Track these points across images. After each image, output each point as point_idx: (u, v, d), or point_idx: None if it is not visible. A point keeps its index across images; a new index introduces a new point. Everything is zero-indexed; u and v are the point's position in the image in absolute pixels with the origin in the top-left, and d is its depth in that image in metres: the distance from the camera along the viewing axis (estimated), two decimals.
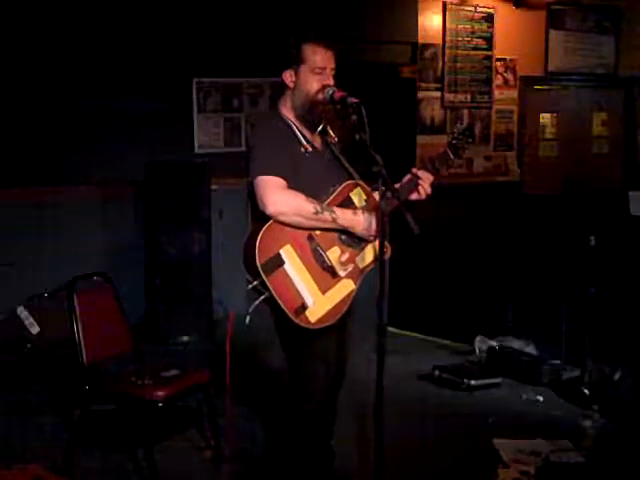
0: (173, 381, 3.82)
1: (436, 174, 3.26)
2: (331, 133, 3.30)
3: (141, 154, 6.33)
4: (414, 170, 3.23)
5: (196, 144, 6.81)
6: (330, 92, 3.08)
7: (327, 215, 3.02)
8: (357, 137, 2.95)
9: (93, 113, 6.26)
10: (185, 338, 6.24)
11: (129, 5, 6.24)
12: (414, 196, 3.22)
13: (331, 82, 3.14)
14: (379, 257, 2.84)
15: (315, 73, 3.12)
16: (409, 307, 6.35)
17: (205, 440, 4.14)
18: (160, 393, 3.70)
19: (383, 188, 2.88)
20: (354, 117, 2.96)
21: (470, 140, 3.37)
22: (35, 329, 5.54)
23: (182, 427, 4.27)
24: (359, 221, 3.08)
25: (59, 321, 4.63)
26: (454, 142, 3.32)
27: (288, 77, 3.16)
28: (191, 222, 6.31)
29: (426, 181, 3.20)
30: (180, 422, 4.29)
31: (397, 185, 3.20)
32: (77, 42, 6.11)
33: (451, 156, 3.32)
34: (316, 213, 3.00)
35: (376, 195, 3.11)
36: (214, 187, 6.42)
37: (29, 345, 5.52)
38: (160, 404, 3.69)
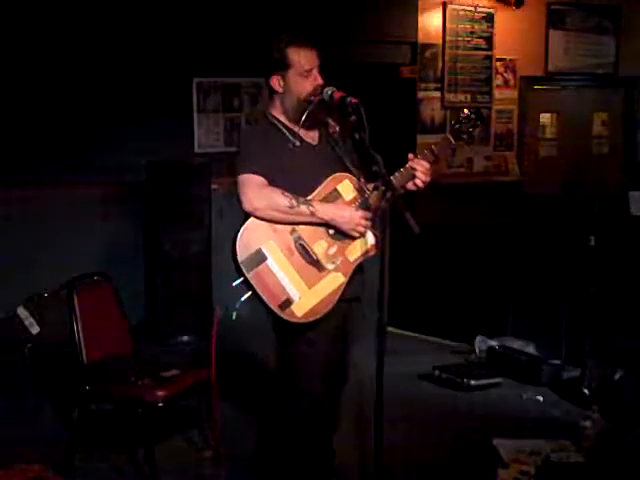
0: (173, 381, 3.82)
1: (435, 161, 3.20)
2: (331, 122, 3.29)
3: (141, 154, 6.33)
4: (411, 156, 3.18)
5: (196, 144, 6.81)
6: (330, 92, 3.08)
7: (304, 208, 3.03)
8: (357, 137, 2.96)
9: (93, 113, 6.26)
10: (185, 338, 6.24)
11: (129, 5, 6.25)
12: (411, 186, 3.17)
13: (321, 81, 3.14)
14: (381, 255, 2.84)
15: (304, 76, 3.12)
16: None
17: (205, 440, 4.14)
18: (160, 393, 3.70)
19: (383, 188, 2.88)
20: (354, 117, 2.96)
21: (478, 123, 3.26)
22: (35, 329, 5.54)
23: (182, 427, 4.28)
24: (340, 215, 3.07)
25: (59, 321, 4.63)
26: (456, 126, 3.26)
27: (276, 82, 3.16)
28: (191, 222, 6.30)
29: (420, 169, 3.13)
30: (180, 422, 4.30)
31: (395, 174, 3.17)
32: (78, 42, 6.12)
33: (452, 141, 3.25)
34: (291, 207, 3.01)
35: (371, 186, 3.13)
36: (214, 187, 6.42)
37: (29, 345, 5.52)
38: (160, 404, 3.69)
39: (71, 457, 3.79)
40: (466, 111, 3.28)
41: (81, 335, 3.77)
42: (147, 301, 6.47)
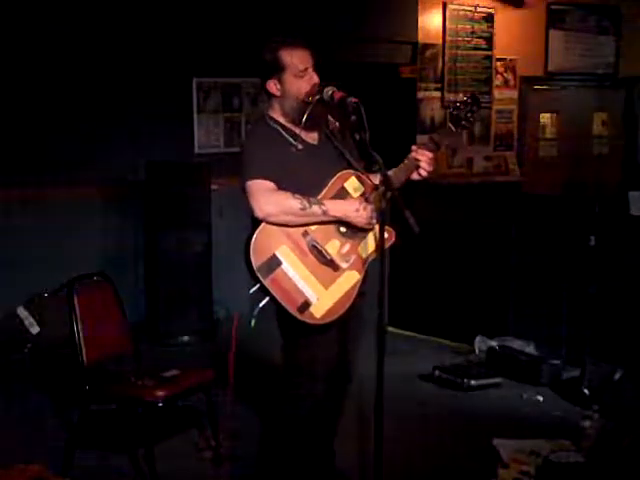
0: (173, 381, 3.82)
1: (437, 150, 3.20)
2: (331, 119, 3.29)
3: (141, 154, 6.33)
4: (414, 147, 3.19)
5: (196, 144, 6.81)
6: (330, 92, 3.07)
7: (316, 208, 3.02)
8: (357, 137, 2.96)
9: (93, 113, 6.26)
10: (185, 338, 6.24)
11: (130, 5, 6.25)
12: (415, 176, 3.18)
13: (317, 80, 3.14)
14: (381, 255, 2.84)
15: (299, 77, 3.12)
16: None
17: (205, 440, 4.14)
18: (160, 393, 3.70)
19: (383, 188, 2.88)
20: (354, 117, 2.95)
21: (475, 108, 3.24)
22: (35, 329, 5.54)
23: (182, 427, 4.28)
24: (352, 210, 3.06)
25: (59, 321, 4.64)
26: (454, 112, 3.24)
27: (273, 86, 3.16)
28: (191, 222, 6.30)
29: (424, 160, 3.14)
30: (180, 422, 4.30)
31: (399, 165, 3.16)
32: (78, 42, 6.12)
33: (453, 128, 3.24)
34: (304, 209, 3.00)
35: (374, 178, 3.14)
36: (214, 187, 6.42)
37: (29, 345, 5.53)
38: (160, 404, 3.69)
39: (71, 457, 3.79)
40: (463, 96, 3.27)
41: (81, 335, 3.77)
42: (147, 301, 6.46)
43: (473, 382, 5.08)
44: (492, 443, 4.05)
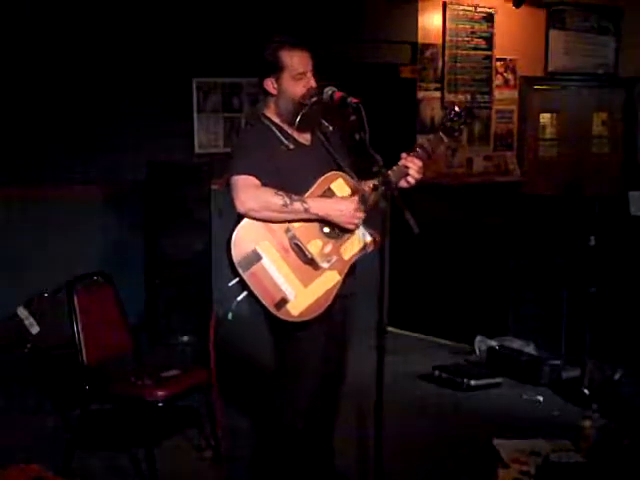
0: (173, 381, 3.82)
1: (428, 158, 3.21)
2: (324, 123, 3.29)
3: (141, 154, 6.33)
4: (404, 155, 3.19)
5: (196, 144, 6.80)
6: (330, 92, 3.09)
7: (298, 205, 3.02)
8: (357, 137, 2.96)
9: (93, 113, 6.26)
10: (185, 338, 6.24)
11: (129, 5, 6.25)
12: (403, 183, 3.18)
13: (314, 84, 3.15)
14: (381, 255, 2.84)
15: (297, 79, 3.13)
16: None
17: (205, 440, 4.14)
18: (160, 393, 3.70)
19: (383, 188, 2.89)
20: (354, 117, 2.96)
21: (468, 120, 3.27)
22: (35, 329, 5.52)
23: (182, 427, 4.28)
24: (334, 209, 3.07)
25: (59, 321, 4.63)
26: (448, 124, 3.25)
27: (270, 85, 3.17)
28: (191, 222, 6.30)
29: (414, 168, 3.15)
30: (180, 422, 4.30)
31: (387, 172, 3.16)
32: (78, 42, 6.11)
33: (445, 139, 3.25)
34: (285, 205, 3.01)
35: (365, 184, 3.13)
36: (214, 187, 6.42)
37: (29, 345, 5.52)
38: (160, 404, 3.70)
39: (71, 457, 3.79)
40: (457, 108, 3.27)
41: (81, 335, 3.78)
42: (147, 301, 6.46)
43: (473, 382, 5.08)
44: (492, 443, 4.05)
